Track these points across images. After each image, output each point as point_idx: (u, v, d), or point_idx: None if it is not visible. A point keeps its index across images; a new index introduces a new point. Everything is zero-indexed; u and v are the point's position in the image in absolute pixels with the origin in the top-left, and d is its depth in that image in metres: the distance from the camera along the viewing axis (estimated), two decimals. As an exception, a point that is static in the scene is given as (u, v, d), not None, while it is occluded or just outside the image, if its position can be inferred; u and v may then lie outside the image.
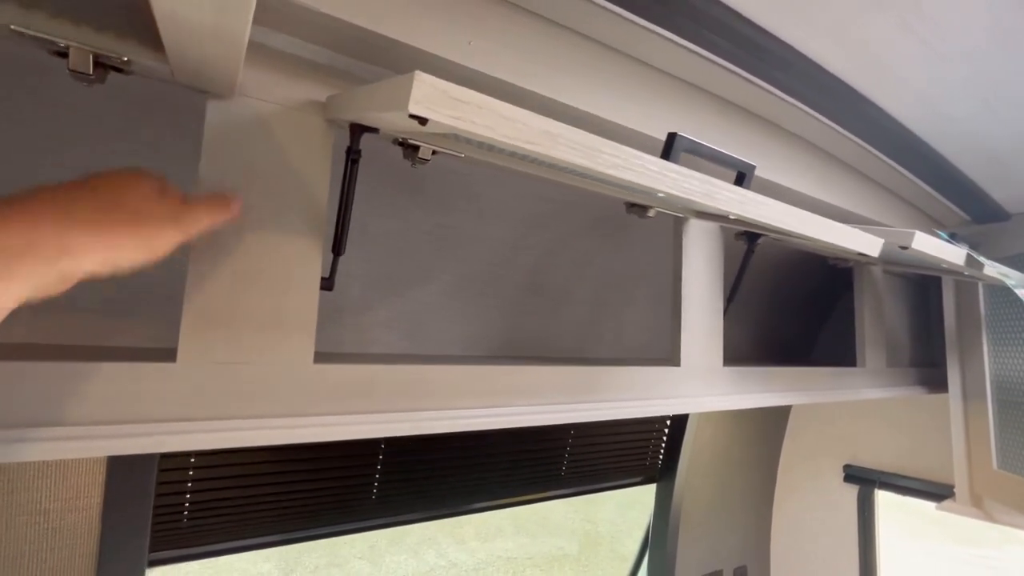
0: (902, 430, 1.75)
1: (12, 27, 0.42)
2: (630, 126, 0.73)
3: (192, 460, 1.08)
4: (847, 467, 1.87)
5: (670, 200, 0.67)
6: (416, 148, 0.64)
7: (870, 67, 0.79)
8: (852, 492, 1.86)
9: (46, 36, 0.43)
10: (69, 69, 0.46)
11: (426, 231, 1.05)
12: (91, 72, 0.47)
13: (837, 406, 1.90)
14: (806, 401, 1.12)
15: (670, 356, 0.92)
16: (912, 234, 0.75)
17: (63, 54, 0.46)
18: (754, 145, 0.93)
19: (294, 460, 1.19)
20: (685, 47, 0.71)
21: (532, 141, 0.37)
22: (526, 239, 1.16)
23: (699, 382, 0.94)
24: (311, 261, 0.59)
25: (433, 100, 0.33)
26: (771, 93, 0.84)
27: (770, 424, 2.00)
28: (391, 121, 0.45)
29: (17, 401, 0.45)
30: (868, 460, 1.83)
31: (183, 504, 1.08)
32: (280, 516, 1.20)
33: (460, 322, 1.16)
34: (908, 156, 1.06)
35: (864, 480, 1.82)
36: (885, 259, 1.14)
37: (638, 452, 1.74)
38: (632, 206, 0.88)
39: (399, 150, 0.65)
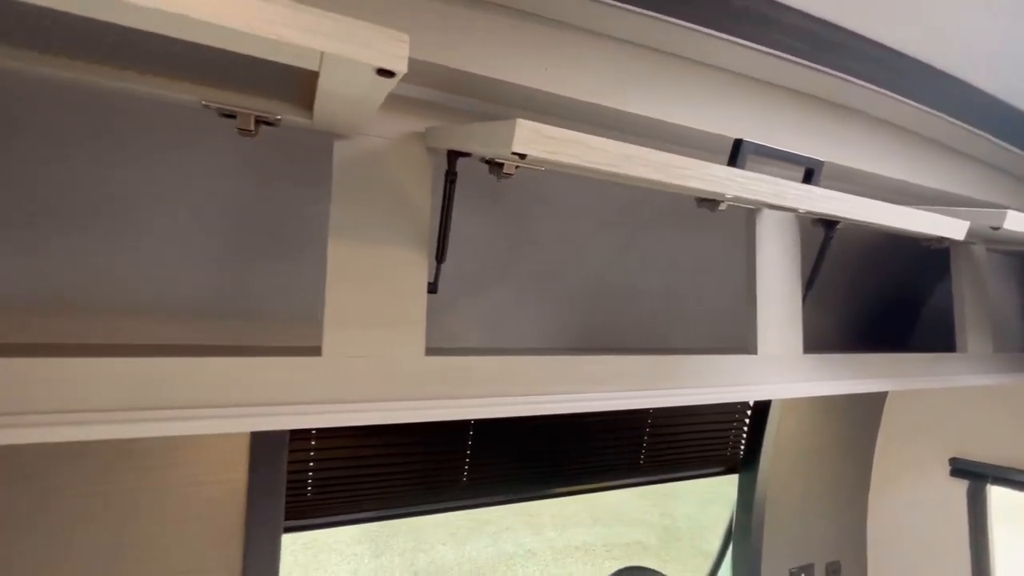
0: (1019, 421, 1.62)
1: (203, 102, 0.55)
2: (702, 128, 0.78)
3: (312, 443, 1.24)
4: (954, 460, 1.75)
5: (740, 199, 0.71)
6: (501, 165, 0.72)
7: (940, 40, 0.77)
8: (960, 487, 1.74)
9: (227, 107, 0.55)
10: (237, 128, 0.59)
11: (503, 233, 1.14)
12: (252, 128, 0.60)
13: (939, 395, 1.78)
14: (895, 388, 1.10)
15: (747, 344, 0.95)
16: (1003, 214, 0.73)
17: (231, 115, 0.59)
18: (832, 134, 0.93)
19: (397, 444, 1.33)
20: (754, 48, 0.74)
21: (613, 164, 0.44)
22: (596, 236, 1.22)
23: (777, 369, 0.96)
24: (419, 269, 0.69)
25: (531, 140, 0.40)
26: (846, 81, 0.84)
27: (862, 413, 1.91)
28: (492, 153, 0.53)
29: (215, 386, 0.59)
30: (978, 453, 1.71)
31: (307, 480, 1.25)
32: (385, 493, 1.35)
33: (536, 317, 1.24)
34: (997, 124, 1.01)
35: (974, 475, 1.71)
36: (986, 238, 1.09)
37: (718, 441, 1.75)
38: (702, 201, 0.92)
39: (480, 164, 0.73)
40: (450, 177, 0.69)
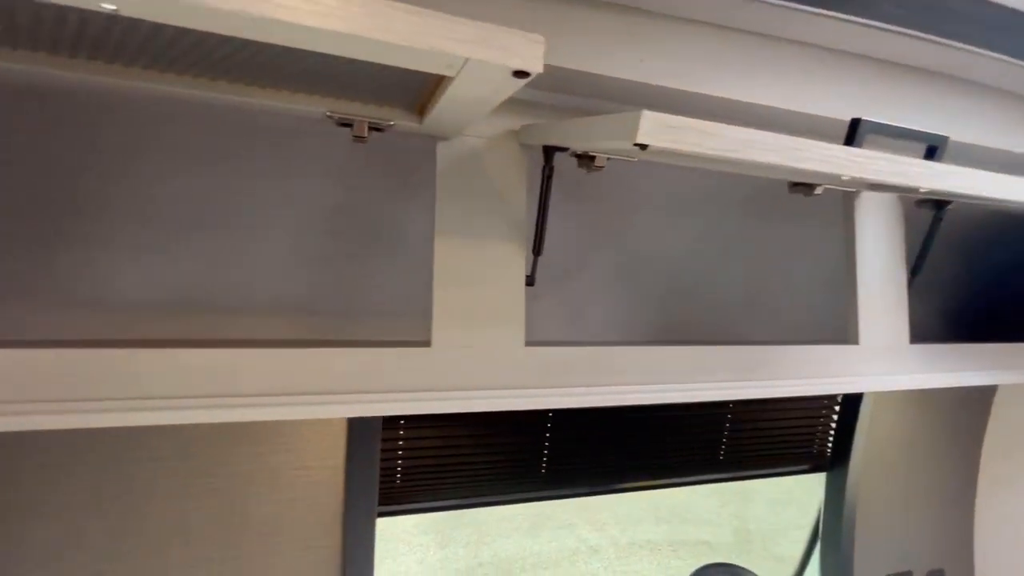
0: None
1: (327, 113, 0.60)
2: (803, 110, 0.75)
3: (401, 432, 1.31)
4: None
5: (857, 180, 0.68)
6: (592, 158, 0.73)
7: None
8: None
9: (347, 116, 0.60)
10: (353, 135, 0.64)
11: (582, 225, 1.15)
12: (365, 135, 0.64)
13: None
14: (1010, 381, 1.02)
15: (846, 334, 0.91)
16: None
17: (348, 124, 0.64)
18: (954, 110, 0.87)
19: (479, 435, 1.37)
20: (861, 24, 0.71)
21: (733, 149, 0.44)
22: (676, 226, 1.20)
23: (881, 360, 0.91)
24: (518, 262, 0.72)
25: (656, 130, 0.41)
26: (961, 50, 0.78)
27: (968, 409, 1.77)
28: (607, 146, 0.54)
29: (341, 375, 0.64)
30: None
31: (396, 468, 1.32)
32: (468, 482, 1.40)
33: (616, 309, 1.24)
34: None
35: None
36: None
37: (803, 437, 1.67)
38: (796, 185, 0.89)
39: (564, 158, 0.74)
40: (547, 172, 0.71)
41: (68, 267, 0.79)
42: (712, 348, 0.84)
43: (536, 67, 0.37)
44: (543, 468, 1.45)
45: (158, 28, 0.40)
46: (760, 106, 0.76)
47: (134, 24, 0.39)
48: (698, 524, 6.45)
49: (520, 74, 0.38)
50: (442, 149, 0.69)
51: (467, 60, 0.37)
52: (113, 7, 0.32)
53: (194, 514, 1.11)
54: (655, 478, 1.62)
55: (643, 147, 0.43)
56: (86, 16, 0.39)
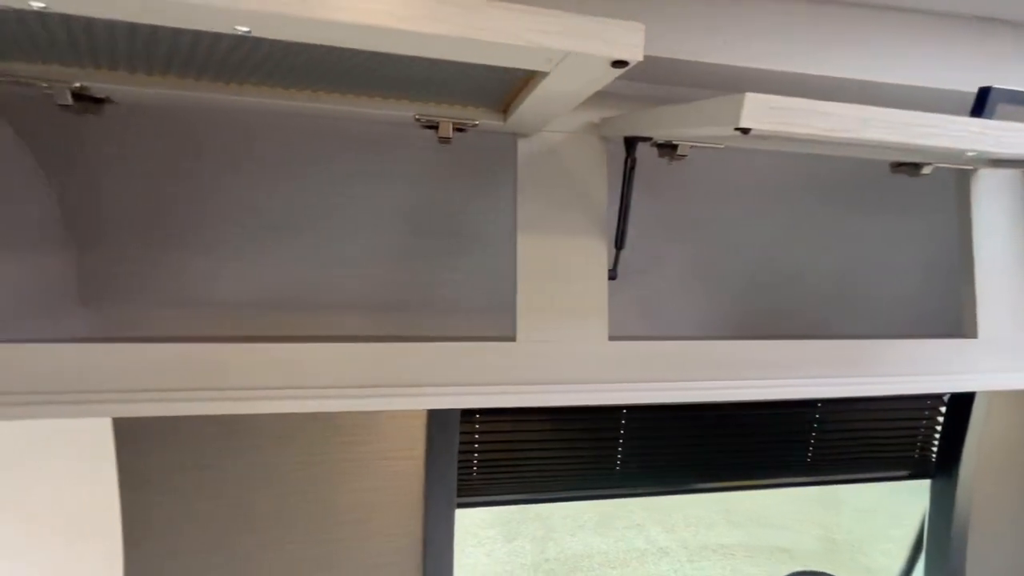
0: None
1: (416, 116, 0.62)
2: (913, 83, 0.69)
3: (477, 426, 1.34)
4: None
5: (988, 155, 0.62)
6: (675, 147, 0.72)
7: None
8: None
9: (434, 118, 0.62)
10: (439, 137, 0.66)
11: (656, 218, 1.12)
12: (450, 136, 0.66)
13: None
14: None
15: (962, 327, 0.83)
16: None
17: (434, 126, 0.66)
18: None
19: (553, 429, 1.38)
20: None
21: (848, 129, 0.41)
22: (759, 215, 1.15)
23: (1003, 356, 0.83)
24: (599, 257, 0.71)
25: (761, 113, 0.40)
26: None
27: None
28: (701, 133, 0.53)
29: (430, 368, 0.67)
30: None
31: (473, 460, 1.35)
32: (542, 477, 1.41)
33: (693, 303, 1.20)
34: None
35: None
36: None
37: (903, 440, 1.54)
38: (900, 166, 0.82)
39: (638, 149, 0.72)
40: (630, 164, 0.70)
41: (177, 269, 0.87)
42: (808, 342, 0.79)
43: (636, 56, 0.37)
44: (617, 465, 1.43)
45: (272, 46, 0.43)
46: (868, 83, 0.71)
47: (256, 44, 0.43)
48: (776, 530, 6.11)
49: (619, 64, 0.38)
50: (522, 146, 0.70)
51: (567, 54, 0.37)
52: (246, 29, 0.36)
53: (290, 498, 1.20)
54: (734, 479, 1.56)
55: (744, 131, 0.41)
56: (214, 41, 0.43)
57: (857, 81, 0.71)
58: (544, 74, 0.43)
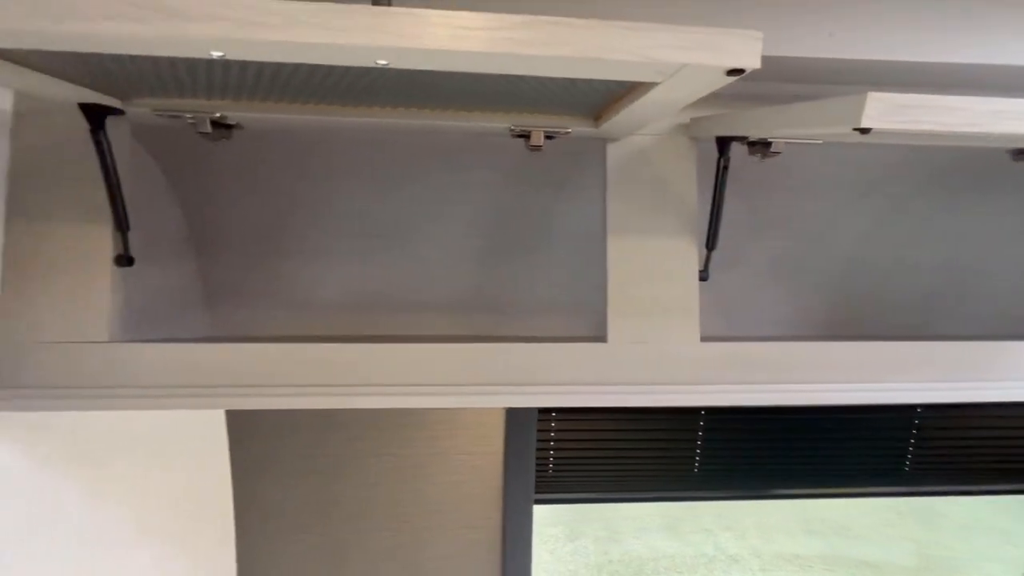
0: None
1: (511, 127, 0.65)
2: None
3: (553, 424, 1.36)
4: None
5: None
6: (768, 145, 0.70)
7: None
8: None
9: (532, 127, 0.65)
10: (530, 145, 0.68)
11: (738, 213, 1.09)
12: (541, 144, 0.68)
13: None
14: None
15: None
16: None
17: (526, 135, 0.68)
18: None
19: (629, 428, 1.38)
20: None
21: (976, 124, 0.40)
22: (850, 208, 1.09)
23: None
24: (690, 257, 0.71)
25: (883, 113, 0.39)
26: None
27: None
28: (814, 133, 0.52)
29: (521, 367, 0.69)
30: None
31: (549, 458, 1.38)
32: (617, 476, 1.41)
33: (777, 302, 1.16)
34: None
35: None
36: None
37: (1016, 451, 1.41)
38: (1022, 153, 0.75)
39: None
40: (722, 163, 0.69)
41: (286, 275, 0.96)
42: (909, 344, 0.75)
43: (753, 63, 0.37)
44: (695, 467, 1.41)
45: (398, 72, 0.47)
46: (992, 67, 0.66)
47: (382, 72, 0.47)
48: (860, 542, 5.72)
49: (734, 72, 0.38)
50: (612, 150, 0.71)
51: (683, 66, 0.38)
52: (384, 62, 0.39)
53: (379, 488, 1.27)
54: (820, 486, 1.49)
55: (864, 131, 0.41)
56: (345, 72, 0.48)
57: (970, 66, 0.66)
58: (653, 84, 0.44)
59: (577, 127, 0.65)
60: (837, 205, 1.08)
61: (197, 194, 0.90)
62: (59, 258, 0.65)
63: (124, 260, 0.67)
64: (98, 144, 0.61)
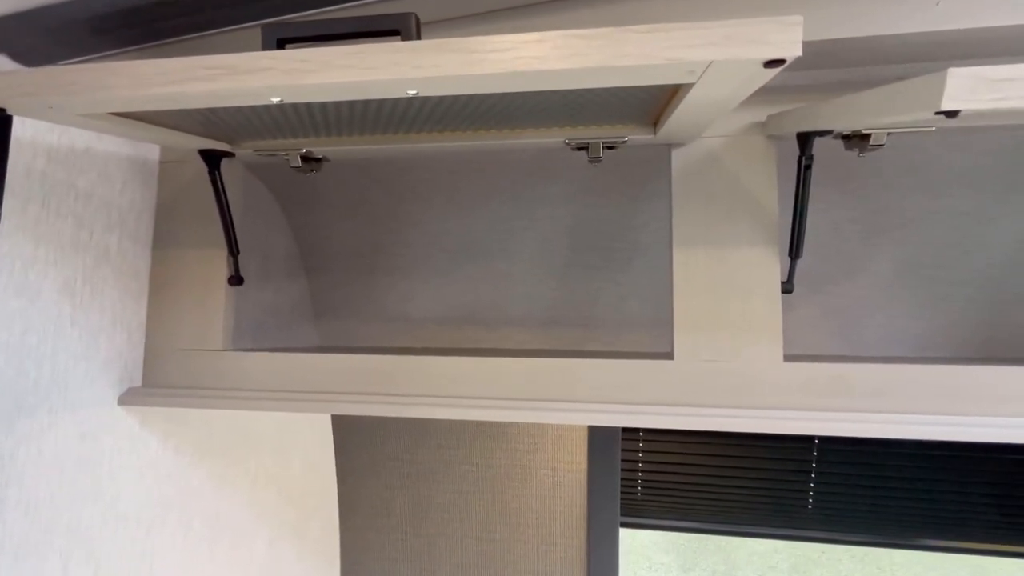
0: None
1: (566, 141, 0.65)
2: None
3: (640, 444, 1.30)
4: None
5: None
6: (866, 137, 0.61)
7: None
8: None
9: (587, 139, 0.64)
10: (589, 157, 0.67)
11: (851, 218, 0.96)
12: (600, 156, 0.67)
13: None
14: None
15: None
16: None
17: (584, 148, 0.67)
18: None
19: (729, 455, 1.27)
20: None
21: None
22: (1003, 205, 0.90)
23: None
24: (770, 267, 0.64)
25: (970, 90, 0.32)
26: None
27: None
28: (894, 120, 0.45)
29: (587, 384, 0.68)
30: None
31: (637, 480, 1.32)
32: (714, 505, 1.30)
33: (906, 317, 1.00)
34: None
35: None
36: None
37: None
38: None
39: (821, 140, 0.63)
40: (804, 163, 0.62)
41: (381, 291, 1.04)
42: None
43: (794, 52, 0.34)
44: (809, 503, 1.25)
45: (440, 99, 0.50)
46: None
47: (424, 100, 0.50)
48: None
49: (773, 63, 0.35)
50: (677, 155, 0.67)
51: (711, 63, 0.36)
52: (414, 91, 0.42)
53: (468, 497, 1.31)
54: (986, 540, 1.23)
55: (951, 115, 0.34)
56: (394, 105, 0.51)
57: None
58: (689, 85, 0.41)
59: (634, 135, 0.63)
60: (981, 202, 0.91)
61: (305, 219, 1.02)
62: (187, 279, 0.78)
63: (235, 280, 0.78)
64: (214, 183, 0.72)
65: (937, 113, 0.34)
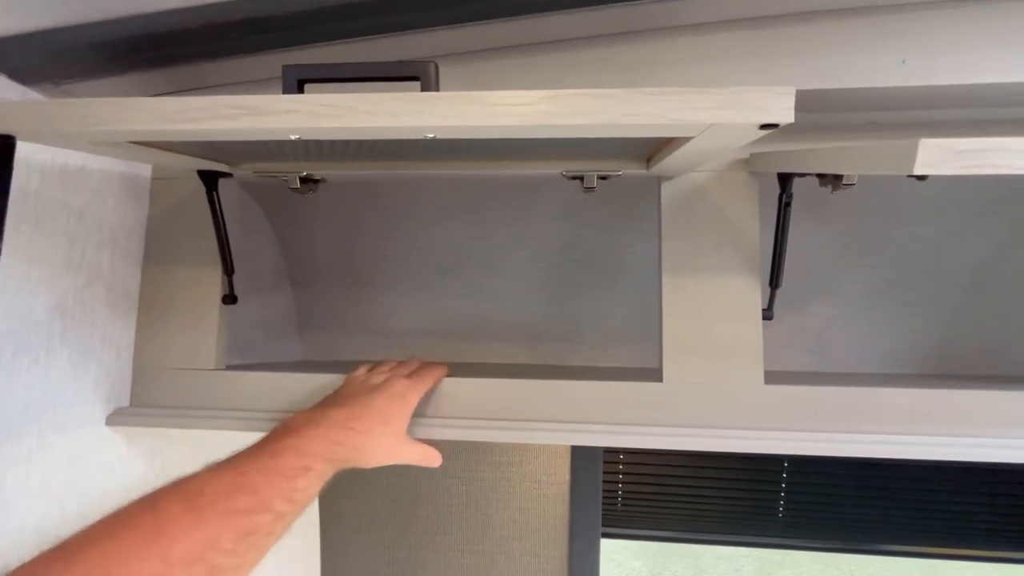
0: None
1: (562, 172, 0.68)
2: None
3: (621, 457, 1.34)
4: None
5: None
6: (839, 177, 0.66)
7: None
8: None
9: (583, 172, 0.67)
10: (584, 187, 0.70)
11: (824, 241, 1.02)
12: (595, 186, 0.70)
13: None
14: None
15: None
16: None
17: (579, 178, 0.70)
18: None
19: (702, 467, 1.32)
20: None
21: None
22: (967, 231, 0.97)
23: None
24: (752, 296, 0.69)
25: (938, 160, 0.36)
26: None
27: None
28: (867, 172, 0.49)
29: (571, 404, 0.70)
30: None
31: (617, 492, 1.35)
32: (690, 515, 1.35)
33: (874, 336, 1.06)
34: None
35: None
36: None
37: None
38: None
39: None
40: (784, 200, 0.67)
41: (367, 304, 1.04)
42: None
43: (786, 118, 0.37)
44: (780, 511, 1.31)
45: (435, 140, 0.52)
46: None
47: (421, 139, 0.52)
48: (1005, 611, 4.85)
49: (767, 126, 0.38)
50: (666, 188, 0.71)
51: (711, 125, 0.39)
52: (432, 135, 0.44)
53: (451, 510, 1.32)
54: (938, 543, 1.31)
55: (922, 178, 0.38)
56: (406, 141, 0.53)
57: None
58: (688, 138, 0.44)
59: (628, 170, 0.66)
60: (951, 228, 0.97)
61: (292, 232, 1.02)
62: (179, 297, 0.77)
63: (230, 299, 0.78)
64: (211, 203, 0.72)
65: (909, 176, 0.38)
